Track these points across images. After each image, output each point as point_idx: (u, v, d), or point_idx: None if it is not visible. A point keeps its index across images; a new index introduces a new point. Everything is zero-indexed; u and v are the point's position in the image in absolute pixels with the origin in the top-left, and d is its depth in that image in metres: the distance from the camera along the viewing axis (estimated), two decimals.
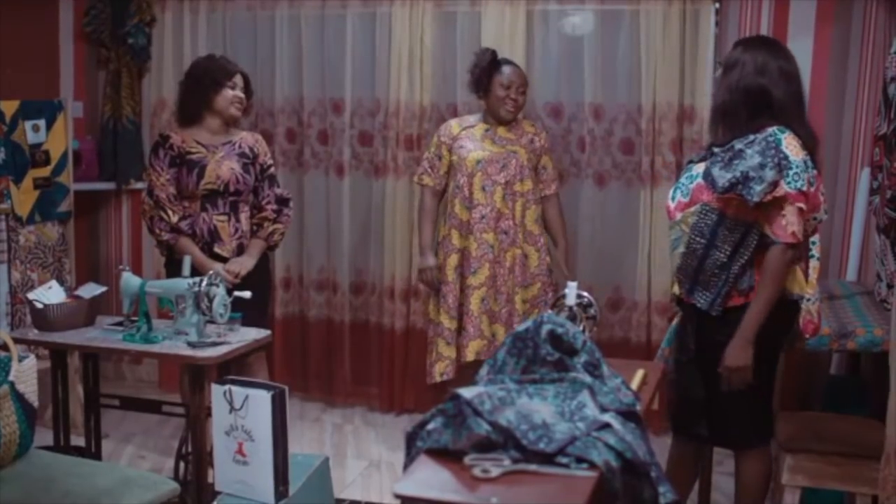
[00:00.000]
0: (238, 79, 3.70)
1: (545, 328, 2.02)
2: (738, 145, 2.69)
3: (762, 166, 2.60)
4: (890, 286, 3.40)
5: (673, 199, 2.85)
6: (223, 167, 3.62)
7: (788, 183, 2.62)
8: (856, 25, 4.08)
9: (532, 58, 4.42)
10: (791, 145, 2.66)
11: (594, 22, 4.36)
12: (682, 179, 2.86)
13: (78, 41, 4.98)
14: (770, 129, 2.68)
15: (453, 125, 4.06)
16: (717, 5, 4.22)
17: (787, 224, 2.64)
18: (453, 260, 3.94)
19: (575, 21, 4.41)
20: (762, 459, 2.91)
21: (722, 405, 2.86)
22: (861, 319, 3.24)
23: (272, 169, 3.83)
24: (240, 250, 3.68)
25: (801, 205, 2.65)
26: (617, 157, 4.39)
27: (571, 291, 2.73)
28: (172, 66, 4.77)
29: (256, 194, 3.76)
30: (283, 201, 3.80)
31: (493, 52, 3.97)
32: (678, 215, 2.82)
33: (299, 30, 4.68)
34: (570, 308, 2.72)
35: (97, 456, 3.50)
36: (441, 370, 3.99)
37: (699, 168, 2.81)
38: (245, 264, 3.63)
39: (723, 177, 2.65)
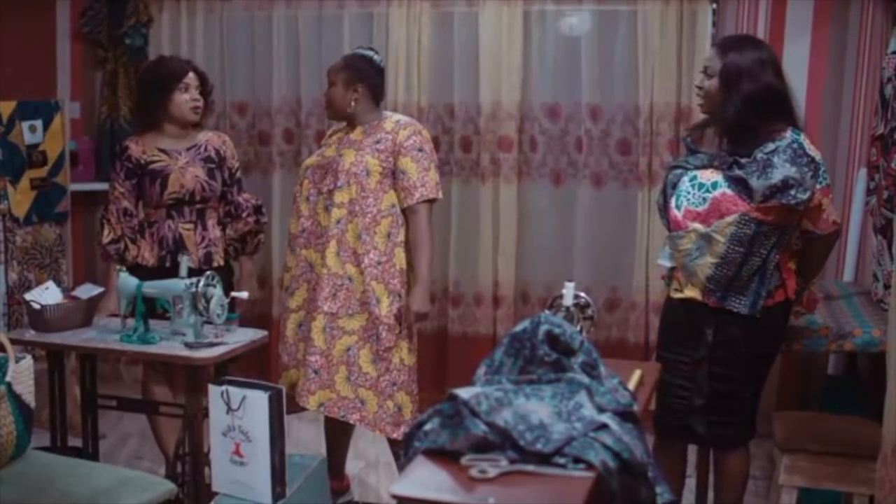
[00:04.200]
0: (191, 78, 3.45)
1: (542, 328, 2.02)
2: (761, 154, 2.72)
3: (801, 174, 2.68)
4: (887, 286, 3.40)
5: (678, 207, 2.83)
6: (187, 175, 3.42)
7: (819, 182, 2.76)
8: (853, 26, 4.09)
9: (529, 58, 4.42)
10: (811, 146, 2.75)
11: (591, 22, 4.37)
12: (685, 186, 2.83)
13: (75, 41, 4.98)
14: (788, 135, 2.73)
15: (333, 129, 3.53)
16: (715, 6, 4.23)
17: (829, 216, 2.82)
18: (286, 280, 3.39)
19: (572, 21, 4.41)
20: (745, 457, 3.00)
21: (723, 406, 2.89)
22: (858, 320, 3.24)
23: (239, 172, 3.63)
24: (207, 259, 3.46)
25: (830, 195, 2.84)
26: (614, 158, 4.39)
27: (569, 292, 2.73)
28: None
29: (226, 199, 3.56)
30: (257, 209, 3.61)
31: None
32: (690, 224, 2.79)
33: (296, 30, 4.67)
34: (568, 308, 2.72)
35: (94, 457, 3.48)
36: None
37: (708, 176, 2.79)
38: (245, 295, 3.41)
39: (761, 186, 2.68)
